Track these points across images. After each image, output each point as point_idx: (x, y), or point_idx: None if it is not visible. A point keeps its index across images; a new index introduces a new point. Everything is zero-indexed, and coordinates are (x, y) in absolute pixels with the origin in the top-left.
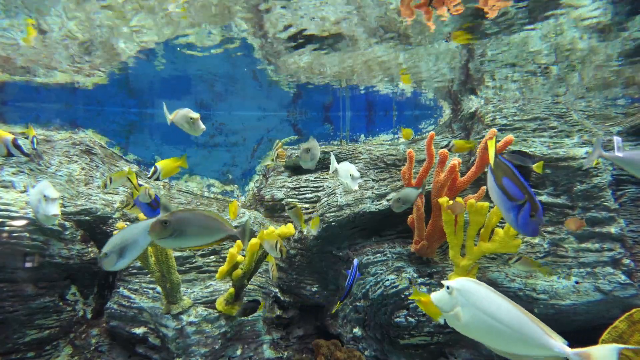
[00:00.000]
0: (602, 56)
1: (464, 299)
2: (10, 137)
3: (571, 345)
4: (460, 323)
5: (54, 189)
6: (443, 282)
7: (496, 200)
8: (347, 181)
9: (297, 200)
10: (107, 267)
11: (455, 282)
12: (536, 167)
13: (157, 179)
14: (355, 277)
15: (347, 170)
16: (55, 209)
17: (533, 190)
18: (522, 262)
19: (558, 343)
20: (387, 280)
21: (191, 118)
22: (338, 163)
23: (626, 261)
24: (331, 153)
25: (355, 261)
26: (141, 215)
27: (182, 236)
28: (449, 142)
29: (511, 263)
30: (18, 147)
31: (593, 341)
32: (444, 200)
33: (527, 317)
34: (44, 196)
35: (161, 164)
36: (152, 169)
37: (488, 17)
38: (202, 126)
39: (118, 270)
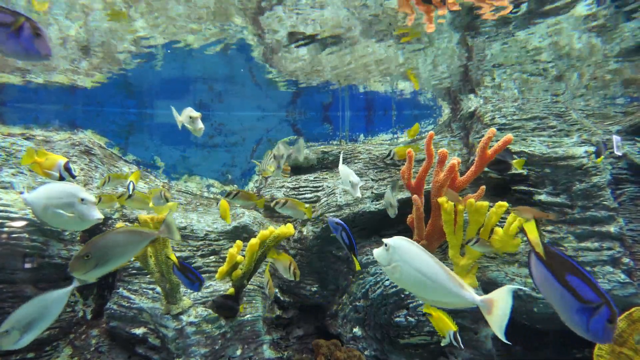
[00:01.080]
0: (601, 55)
1: (397, 255)
2: (63, 160)
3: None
4: (394, 276)
5: (88, 192)
6: (383, 240)
7: (556, 299)
8: (347, 188)
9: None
10: (5, 346)
11: (391, 240)
12: (516, 163)
13: (130, 197)
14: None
15: (346, 176)
16: (98, 213)
17: (533, 189)
18: (479, 244)
19: (470, 293)
20: (387, 280)
21: (190, 117)
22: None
23: (625, 260)
24: (340, 153)
25: (330, 218)
26: (141, 216)
27: (107, 262)
28: (390, 150)
29: (470, 245)
30: (68, 169)
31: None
32: (443, 199)
33: (446, 273)
34: (82, 199)
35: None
36: (131, 186)
37: (485, 17)
38: (200, 125)
39: (20, 347)
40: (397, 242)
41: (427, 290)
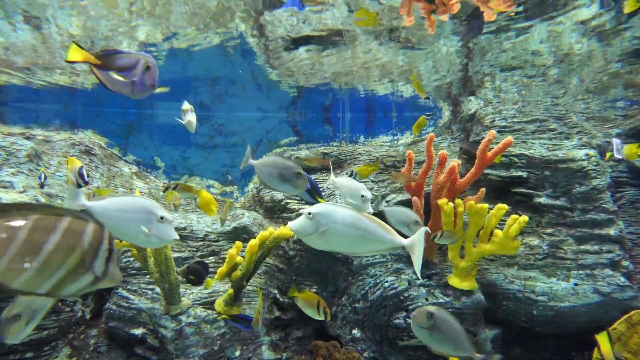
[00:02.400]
0: (601, 58)
1: (326, 219)
2: (79, 165)
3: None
4: (321, 241)
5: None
6: (301, 211)
7: None
8: (357, 202)
9: (296, 201)
10: None
11: (314, 207)
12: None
13: None
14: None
15: (356, 190)
16: (175, 233)
17: (533, 192)
18: (445, 236)
19: (398, 238)
20: (387, 281)
21: (182, 110)
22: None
23: (625, 263)
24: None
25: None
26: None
27: (37, 314)
28: (352, 171)
29: (436, 240)
30: (81, 175)
31: (591, 343)
32: (443, 201)
33: (375, 223)
34: (161, 217)
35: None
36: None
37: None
38: (190, 117)
39: None
40: (322, 207)
41: (362, 243)
